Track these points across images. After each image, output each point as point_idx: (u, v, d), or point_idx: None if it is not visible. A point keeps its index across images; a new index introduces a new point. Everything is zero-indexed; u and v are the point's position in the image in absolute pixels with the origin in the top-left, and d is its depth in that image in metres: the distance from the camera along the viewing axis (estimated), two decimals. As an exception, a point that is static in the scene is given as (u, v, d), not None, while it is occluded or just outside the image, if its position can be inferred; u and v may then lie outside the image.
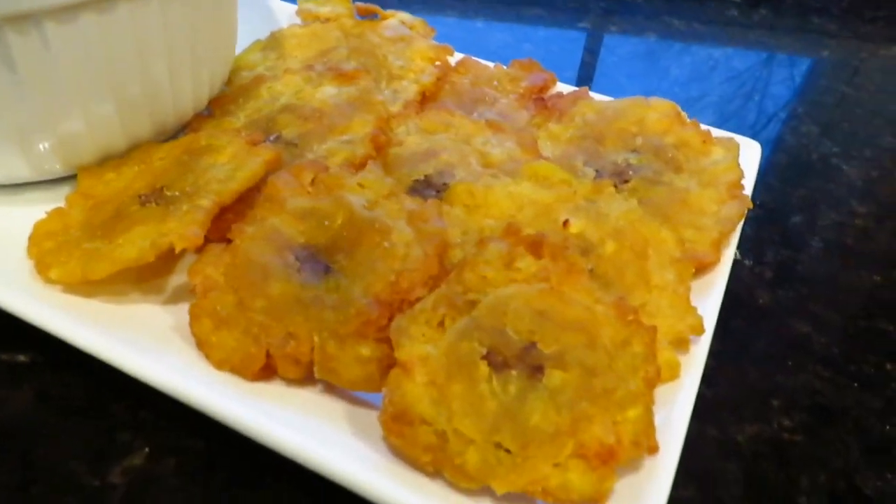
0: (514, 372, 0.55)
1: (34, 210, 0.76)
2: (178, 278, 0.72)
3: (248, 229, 0.67)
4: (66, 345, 0.63)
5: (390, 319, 0.60)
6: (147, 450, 0.62)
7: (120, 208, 0.73)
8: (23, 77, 0.68)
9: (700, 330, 0.63)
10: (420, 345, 0.57)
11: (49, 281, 0.67)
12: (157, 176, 0.76)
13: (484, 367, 0.55)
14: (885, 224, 0.95)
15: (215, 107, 0.90)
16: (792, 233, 0.91)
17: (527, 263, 0.61)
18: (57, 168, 0.79)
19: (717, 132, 0.85)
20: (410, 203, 0.68)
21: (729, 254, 0.73)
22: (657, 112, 0.82)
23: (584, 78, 1.21)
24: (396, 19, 1.02)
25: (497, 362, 0.56)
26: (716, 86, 1.20)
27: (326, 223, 0.67)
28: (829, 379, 0.74)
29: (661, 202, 0.74)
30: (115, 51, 0.72)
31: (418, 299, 0.61)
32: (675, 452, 0.56)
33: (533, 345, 0.57)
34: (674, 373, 0.61)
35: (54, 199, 0.79)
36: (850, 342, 0.78)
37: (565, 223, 0.68)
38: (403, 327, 0.58)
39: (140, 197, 0.73)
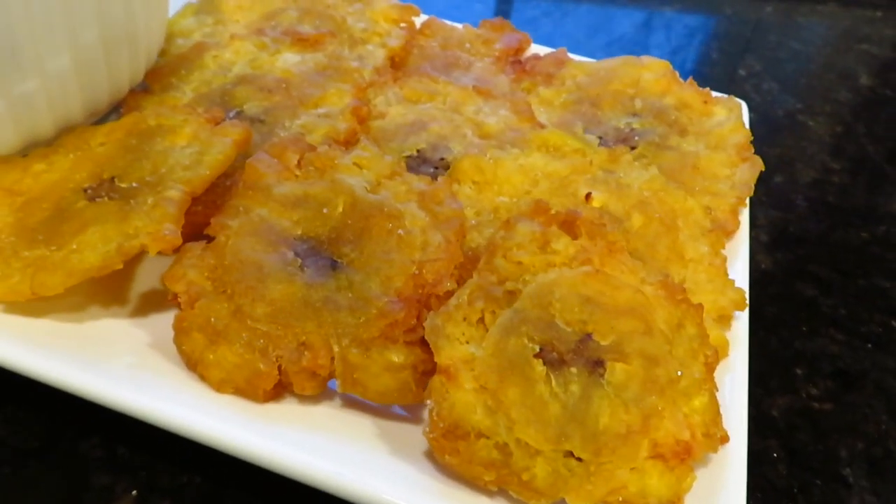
0: (573, 369, 0.49)
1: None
2: (141, 283, 0.61)
3: (232, 223, 0.57)
4: (14, 376, 0.51)
5: (419, 318, 0.52)
6: (135, 493, 0.52)
7: (61, 205, 0.60)
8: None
9: (743, 305, 0.59)
10: (462, 346, 0.50)
11: (-13, 301, 0.55)
12: (100, 164, 0.64)
13: (539, 366, 0.49)
14: (858, 179, 0.95)
15: (153, 81, 0.78)
16: (777, 193, 0.90)
17: (563, 244, 0.55)
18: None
19: (716, 96, 0.81)
20: (418, 183, 0.60)
21: (745, 218, 0.69)
22: (652, 72, 0.77)
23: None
24: (349, -24, 0.91)
25: (553, 359, 0.49)
26: (668, 43, 1.17)
27: (325, 211, 0.58)
28: (844, 342, 0.72)
29: (673, 168, 0.69)
30: (37, 13, 0.59)
31: (447, 293, 0.54)
32: (742, 439, 0.52)
33: (588, 336, 0.51)
34: (724, 351, 0.57)
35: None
36: (855, 302, 0.77)
37: (588, 196, 0.62)
38: (440, 327, 0.50)
39: (85, 191, 0.61)
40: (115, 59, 0.70)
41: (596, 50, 1.13)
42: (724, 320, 0.59)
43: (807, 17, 1.31)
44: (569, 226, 0.56)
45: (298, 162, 0.61)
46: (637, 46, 1.16)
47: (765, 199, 0.88)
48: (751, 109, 1.04)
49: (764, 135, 0.99)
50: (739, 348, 0.58)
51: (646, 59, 0.79)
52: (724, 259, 0.62)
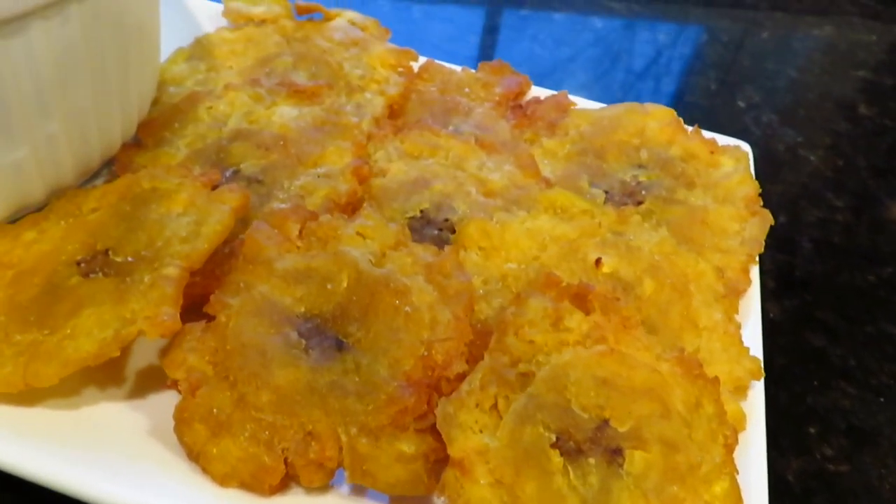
0: (591, 459, 0.48)
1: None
2: (137, 358, 0.59)
3: (232, 301, 0.55)
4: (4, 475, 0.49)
5: (429, 403, 0.51)
6: (136, 593, 0.50)
7: (53, 281, 0.58)
8: None
9: (759, 374, 0.58)
10: (475, 435, 0.48)
11: (-24, 391, 0.52)
12: (93, 234, 0.61)
13: (556, 457, 0.47)
14: (862, 217, 0.94)
15: (145, 134, 0.75)
16: (782, 234, 0.88)
17: (576, 321, 0.53)
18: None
19: (707, 135, 0.80)
20: (424, 253, 0.58)
21: (755, 275, 0.68)
22: (656, 120, 0.76)
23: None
24: (344, 19, 0.89)
25: (570, 449, 0.48)
26: (666, 73, 1.16)
27: (329, 286, 0.56)
28: (856, 396, 0.71)
29: (681, 224, 0.68)
30: (27, 79, 0.57)
31: (459, 376, 0.52)
32: (763, 523, 0.51)
33: (605, 423, 0.49)
34: (741, 424, 0.56)
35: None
36: (864, 351, 0.76)
37: (598, 262, 0.60)
38: (452, 415, 0.49)
39: (79, 264, 0.59)
40: (107, 117, 0.68)
41: (589, 81, 1.12)
42: (740, 391, 0.58)
43: (803, 43, 1.30)
44: (581, 299, 0.55)
45: (300, 232, 0.59)
46: (633, 77, 1.15)
47: (770, 242, 0.86)
48: (751, 144, 1.03)
49: (766, 171, 0.98)
50: (756, 421, 0.57)
51: (650, 106, 0.78)
52: (739, 326, 0.60)
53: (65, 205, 0.66)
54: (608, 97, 1.08)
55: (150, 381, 0.57)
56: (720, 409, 0.52)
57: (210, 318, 0.55)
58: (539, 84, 0.88)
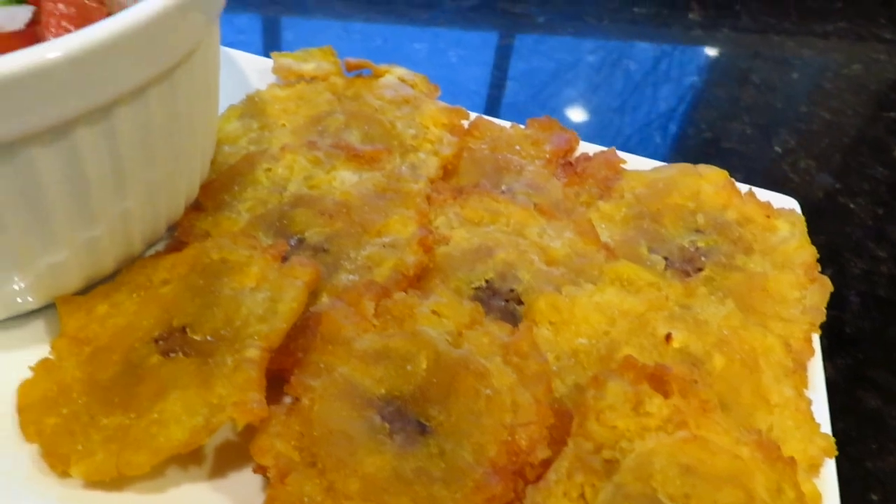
0: (680, 551, 0.48)
1: (8, 360, 0.61)
2: (215, 436, 0.59)
3: (314, 384, 0.56)
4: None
5: (515, 490, 0.51)
6: None
7: (132, 359, 0.59)
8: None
9: (832, 451, 0.59)
10: (565, 526, 0.49)
11: (66, 476, 0.53)
12: (168, 309, 0.62)
13: (646, 549, 0.48)
14: (906, 268, 0.95)
15: (205, 198, 0.76)
16: (829, 288, 0.89)
17: (657, 405, 0.54)
18: (30, 302, 0.64)
19: (762, 193, 0.81)
20: (499, 332, 0.59)
21: (817, 344, 0.69)
22: (711, 183, 0.77)
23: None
24: (393, 76, 0.90)
25: (659, 540, 0.48)
26: (702, 119, 1.17)
27: (408, 368, 0.56)
28: (915, 460, 0.72)
29: (742, 291, 0.69)
30: (108, 161, 0.58)
31: (543, 462, 0.53)
32: None
33: (692, 512, 0.50)
34: (816, 505, 0.56)
35: (29, 339, 0.64)
36: (919, 412, 0.77)
37: (668, 337, 0.61)
38: (540, 506, 0.49)
39: (157, 342, 0.60)
40: (176, 185, 0.69)
41: (627, 128, 1.13)
42: (814, 468, 0.58)
43: (833, 84, 1.31)
44: (658, 381, 0.55)
45: (375, 310, 0.60)
46: (665, 120, 1.16)
47: (818, 297, 0.87)
48: (790, 192, 1.04)
49: (809, 221, 0.98)
50: (831, 501, 0.57)
51: (703, 168, 0.79)
52: (809, 402, 0.61)
53: (135, 276, 0.67)
54: (647, 145, 1.09)
55: (231, 460, 0.58)
56: (800, 494, 0.53)
57: (292, 400, 0.56)
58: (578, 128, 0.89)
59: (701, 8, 1.47)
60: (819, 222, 1.00)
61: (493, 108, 1.13)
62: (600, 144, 0.87)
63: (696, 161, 1.05)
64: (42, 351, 0.62)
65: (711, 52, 1.35)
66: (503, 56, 1.24)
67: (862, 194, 1.06)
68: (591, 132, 1.09)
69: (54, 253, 0.59)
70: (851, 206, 1.03)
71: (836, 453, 0.59)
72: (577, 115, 1.14)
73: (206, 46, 0.65)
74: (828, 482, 0.58)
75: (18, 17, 0.53)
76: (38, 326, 0.66)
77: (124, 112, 0.56)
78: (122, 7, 0.59)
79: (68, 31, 0.53)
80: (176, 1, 0.53)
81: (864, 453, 0.72)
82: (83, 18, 0.53)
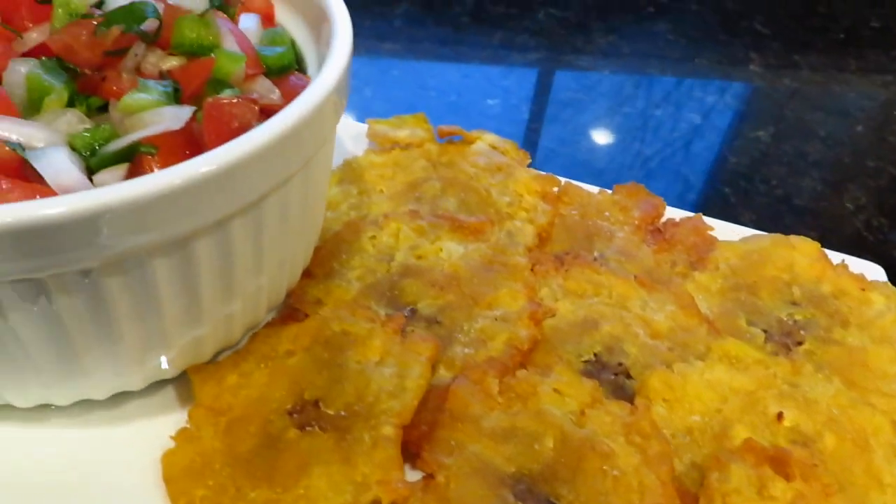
0: None
1: (147, 427, 0.65)
2: (344, 506, 0.62)
3: (447, 461, 0.59)
4: None
5: (649, 572, 0.54)
6: None
7: (269, 431, 0.62)
8: (161, 295, 0.57)
9: (946, 533, 0.60)
10: None
11: (221, 548, 0.56)
12: (297, 381, 0.66)
13: None
14: None
15: (315, 265, 0.80)
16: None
17: (780, 489, 0.56)
18: (166, 373, 0.68)
19: (851, 261, 0.83)
20: (620, 411, 0.62)
21: (916, 418, 0.70)
22: (804, 255, 0.79)
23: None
24: (485, 143, 0.94)
25: None
26: (772, 174, 1.20)
27: (536, 447, 0.59)
28: None
29: (842, 366, 0.71)
30: (251, 250, 0.62)
31: (673, 544, 0.55)
32: None
33: None
34: (934, 589, 0.58)
35: (163, 407, 0.68)
36: None
37: (779, 416, 0.63)
38: (677, 589, 0.52)
39: (291, 415, 0.63)
40: (298, 259, 0.73)
41: (716, 196, 1.15)
42: (929, 550, 0.60)
43: (895, 136, 1.33)
44: (780, 464, 0.58)
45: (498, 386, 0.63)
46: (735, 176, 1.19)
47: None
48: (865, 249, 1.06)
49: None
50: (948, 582, 0.59)
51: (794, 239, 0.81)
52: (920, 482, 0.63)
53: (259, 346, 0.70)
54: (722, 203, 1.11)
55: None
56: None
57: (425, 476, 0.59)
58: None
59: (761, 58, 1.50)
60: (896, 283, 1.01)
61: (572, 168, 1.16)
62: (674, 203, 0.90)
63: (773, 221, 1.09)
64: (176, 418, 0.66)
65: (775, 104, 1.38)
66: (575, 111, 1.28)
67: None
68: (665, 190, 1.11)
69: (198, 330, 0.63)
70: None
71: (951, 535, 0.60)
72: (653, 176, 1.17)
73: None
74: (942, 563, 0.60)
75: (182, 116, 0.57)
76: (170, 393, 0.70)
77: (272, 202, 0.60)
78: (263, 98, 0.64)
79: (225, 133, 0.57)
80: (314, 108, 0.57)
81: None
82: (238, 123, 0.57)
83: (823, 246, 1.02)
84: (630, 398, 0.66)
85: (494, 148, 0.94)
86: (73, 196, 0.47)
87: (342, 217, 0.87)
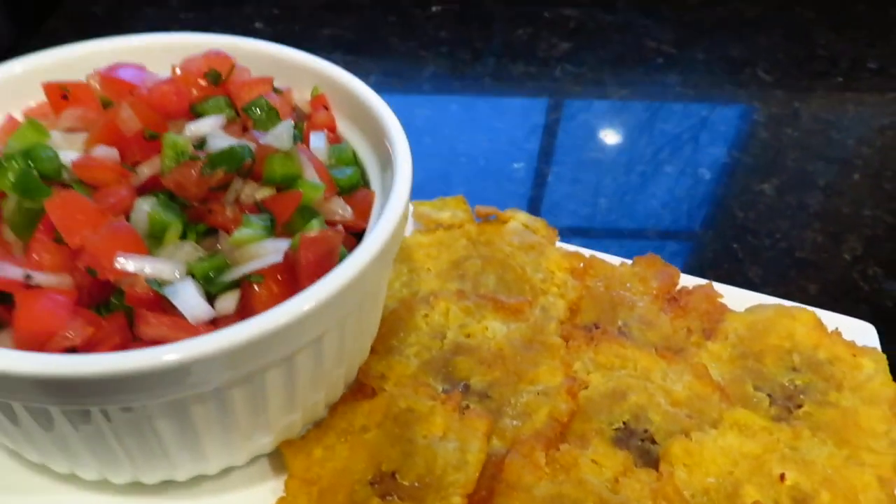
0: None
1: (251, 496, 0.78)
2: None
3: (507, 526, 0.71)
4: None
5: None
6: None
7: (355, 500, 0.75)
8: (269, 396, 0.70)
9: (926, 577, 0.72)
10: None
11: None
12: (375, 455, 0.78)
13: None
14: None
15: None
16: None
17: (784, 545, 0.68)
18: (265, 449, 0.80)
19: (842, 321, 0.94)
20: (647, 477, 0.74)
21: (901, 471, 0.82)
22: (803, 324, 0.91)
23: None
24: (518, 222, 1.07)
25: None
26: (771, 223, 1.31)
27: (579, 512, 0.72)
28: None
29: (837, 426, 0.82)
30: (338, 351, 0.75)
31: (696, 593, 0.67)
32: None
33: None
34: None
35: (260, 476, 0.81)
36: None
37: (782, 477, 0.75)
38: None
39: (372, 485, 0.76)
40: (368, 343, 0.86)
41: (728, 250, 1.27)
42: (912, 592, 0.72)
43: (893, 183, 1.44)
44: (783, 523, 0.70)
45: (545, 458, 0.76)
46: (741, 231, 1.30)
47: None
48: (860, 301, 1.17)
49: (882, 333, 1.11)
50: None
51: (794, 310, 0.93)
52: (904, 533, 0.74)
53: (339, 421, 0.83)
54: (729, 260, 1.23)
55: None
56: None
57: (487, 537, 0.71)
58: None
59: (765, 108, 1.61)
60: (891, 333, 1.12)
61: (592, 231, 1.28)
62: (689, 264, 1.01)
63: (779, 277, 1.20)
64: (272, 486, 0.79)
65: (779, 155, 1.49)
66: (591, 170, 1.40)
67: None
68: (680, 251, 1.23)
69: (294, 415, 0.76)
70: (915, 313, 1.16)
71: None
72: (668, 236, 1.29)
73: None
74: None
75: (281, 248, 0.70)
76: (265, 465, 0.82)
77: (351, 319, 0.73)
78: (338, 216, 0.77)
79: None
80: (379, 252, 0.69)
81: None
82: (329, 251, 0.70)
83: (824, 297, 1.14)
84: (654, 462, 0.79)
85: (526, 227, 1.06)
86: (218, 333, 0.60)
87: (396, 294, 1.00)
